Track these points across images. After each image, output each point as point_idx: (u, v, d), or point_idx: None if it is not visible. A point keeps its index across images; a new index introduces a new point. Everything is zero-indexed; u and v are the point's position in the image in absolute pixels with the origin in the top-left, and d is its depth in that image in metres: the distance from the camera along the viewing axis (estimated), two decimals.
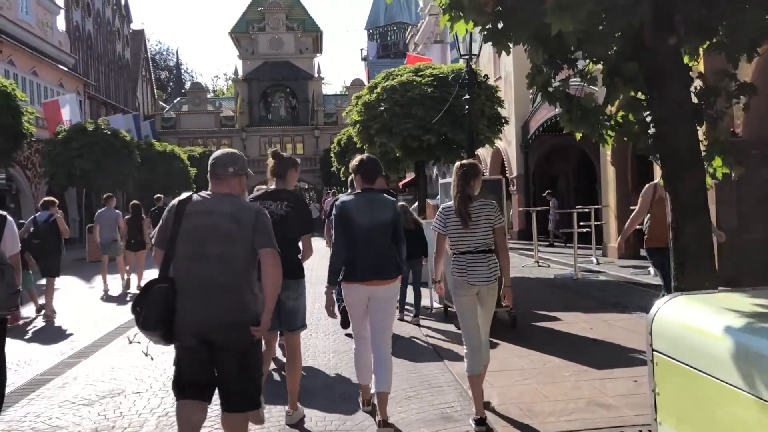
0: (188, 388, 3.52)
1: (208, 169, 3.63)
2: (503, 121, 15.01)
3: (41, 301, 10.47)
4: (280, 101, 48.42)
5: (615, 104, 4.38)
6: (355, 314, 4.76)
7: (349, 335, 7.35)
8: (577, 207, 14.11)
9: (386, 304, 4.65)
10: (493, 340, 7.05)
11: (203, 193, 3.59)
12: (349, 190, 6.04)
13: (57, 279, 10.35)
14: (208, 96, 52.24)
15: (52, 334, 9.24)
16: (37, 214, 10.32)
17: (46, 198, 10.54)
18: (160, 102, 53.56)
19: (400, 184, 33.06)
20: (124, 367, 6.89)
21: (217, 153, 3.73)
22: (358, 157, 4.87)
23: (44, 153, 23.34)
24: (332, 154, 27.37)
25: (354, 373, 5.37)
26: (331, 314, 4.69)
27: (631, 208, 14.12)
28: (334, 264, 4.59)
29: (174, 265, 3.45)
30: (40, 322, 10.00)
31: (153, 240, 3.78)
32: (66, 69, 31.77)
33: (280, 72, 47.09)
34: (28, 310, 10.26)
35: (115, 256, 13.09)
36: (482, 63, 23.31)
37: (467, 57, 11.39)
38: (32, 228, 9.93)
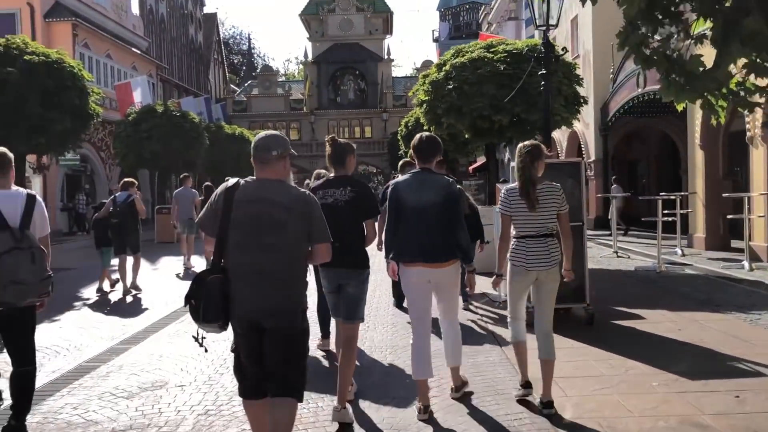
0: (249, 380, 3.51)
1: (252, 153, 3.51)
2: (582, 100, 14.00)
3: (114, 276, 10.93)
4: (348, 84, 48.19)
5: (729, 68, 3.58)
6: (411, 295, 4.68)
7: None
8: (662, 194, 13.04)
9: (446, 286, 4.60)
10: (567, 339, 6.48)
11: (250, 179, 3.49)
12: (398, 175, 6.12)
13: (129, 258, 10.64)
14: (279, 79, 52.42)
15: (117, 312, 9.25)
16: (116, 194, 10.63)
17: (126, 179, 10.86)
18: (232, 86, 54.17)
19: (470, 168, 32.17)
20: (172, 356, 6.54)
21: (258, 136, 3.61)
22: (417, 136, 4.77)
23: (115, 134, 23.71)
24: (399, 137, 26.74)
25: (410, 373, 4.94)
26: (392, 276, 4.69)
27: (724, 195, 13.40)
28: (386, 239, 4.62)
29: (226, 253, 3.40)
30: (113, 297, 10.41)
31: (198, 223, 3.64)
32: (139, 52, 32.30)
33: (349, 54, 46.90)
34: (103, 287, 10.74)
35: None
36: (559, 41, 22.19)
37: (544, 28, 10.53)
38: (111, 208, 10.26)
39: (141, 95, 26.68)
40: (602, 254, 14.53)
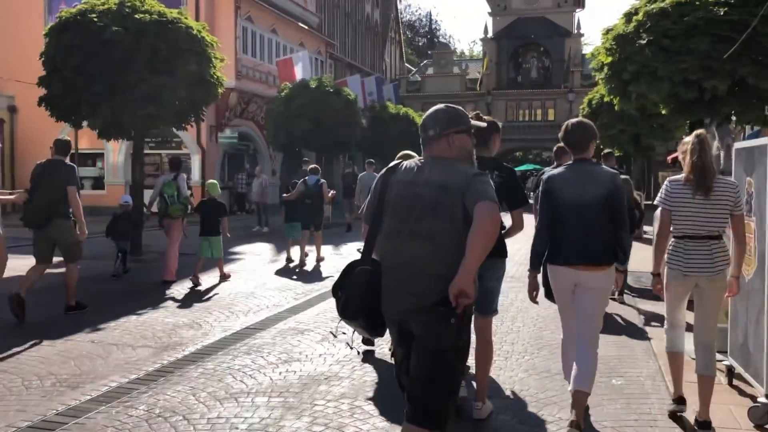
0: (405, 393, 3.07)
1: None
2: None
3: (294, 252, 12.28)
4: (531, 61, 44.38)
5: None
6: (560, 300, 4.32)
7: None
8: None
9: (595, 294, 4.13)
10: None
11: (416, 160, 3.16)
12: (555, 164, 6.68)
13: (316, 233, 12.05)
14: (455, 58, 49.67)
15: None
16: (306, 178, 11.98)
17: (312, 165, 12.97)
18: (408, 65, 52.44)
19: (669, 157, 27.11)
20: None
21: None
22: (565, 123, 4.37)
23: (266, 112, 22.47)
24: (581, 116, 22.81)
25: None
26: (533, 300, 4.33)
27: None
28: (536, 245, 4.24)
29: (378, 242, 3.08)
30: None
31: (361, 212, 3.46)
32: (307, 28, 31.21)
33: (533, 29, 43.13)
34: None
35: None
36: None
37: None
38: (303, 188, 11.69)
39: (302, 71, 25.36)
40: None
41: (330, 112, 21.44)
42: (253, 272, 11.04)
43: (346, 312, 3.06)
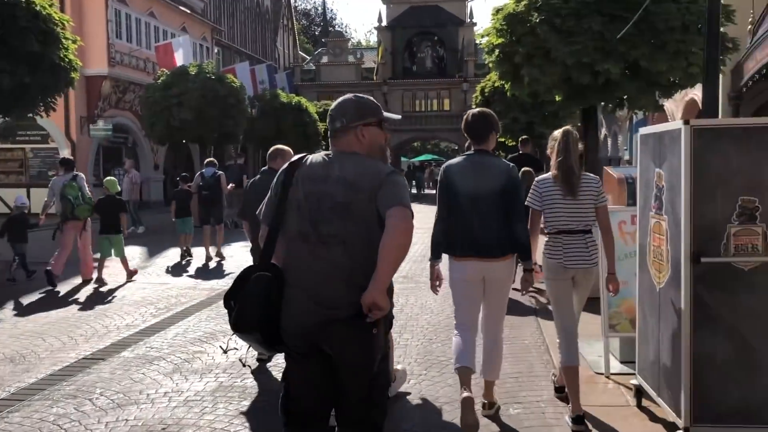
0: (299, 415, 2.75)
1: None
2: (730, 44, 9.53)
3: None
4: (426, 51, 44.04)
5: None
6: (457, 293, 4.26)
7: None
8: None
9: (498, 285, 4.19)
10: None
11: (322, 154, 2.84)
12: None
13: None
14: (350, 46, 48.68)
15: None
16: (203, 171, 12.04)
17: (208, 159, 12.89)
18: (302, 54, 51.01)
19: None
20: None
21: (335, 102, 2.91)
22: (467, 113, 4.40)
23: (142, 100, 20.68)
24: (474, 106, 22.42)
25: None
26: (434, 290, 4.30)
27: None
28: (435, 234, 4.24)
29: (280, 246, 2.75)
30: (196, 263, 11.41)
31: (259, 213, 2.96)
32: (189, 12, 29.31)
33: (427, 18, 42.71)
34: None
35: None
36: None
37: None
38: (201, 182, 11.71)
39: (183, 57, 23.63)
40: None
41: (213, 101, 19.90)
42: (116, 282, 9.62)
43: (239, 325, 2.69)
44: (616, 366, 5.28)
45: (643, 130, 4.45)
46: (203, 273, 10.64)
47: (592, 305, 5.12)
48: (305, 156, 2.89)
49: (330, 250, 2.65)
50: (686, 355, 3.64)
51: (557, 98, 10.52)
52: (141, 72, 24.79)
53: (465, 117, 4.32)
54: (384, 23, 43.62)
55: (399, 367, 4.88)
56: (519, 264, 4.26)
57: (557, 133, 4.34)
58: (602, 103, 10.30)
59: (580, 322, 4.49)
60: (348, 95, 2.94)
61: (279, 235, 2.76)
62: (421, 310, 7.45)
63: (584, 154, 10.96)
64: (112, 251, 9.58)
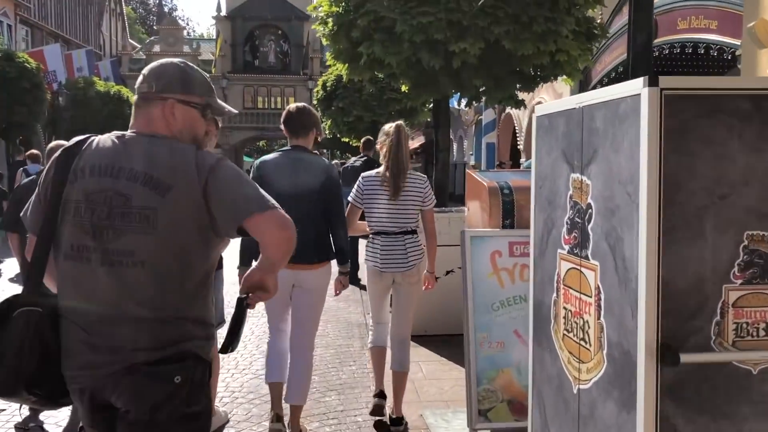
0: None
1: None
2: (597, 30, 8.26)
3: None
4: (269, 45, 41.72)
5: None
6: (267, 304, 3.97)
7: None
8: None
9: (312, 295, 3.90)
10: None
11: (112, 136, 2.03)
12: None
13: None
14: (185, 36, 45.17)
15: None
16: (27, 167, 10.89)
17: (32, 151, 11.68)
18: (132, 41, 46.66)
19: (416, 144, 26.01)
20: None
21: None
22: (287, 108, 4.13)
23: None
24: (315, 101, 20.40)
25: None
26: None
27: None
28: (243, 240, 3.67)
29: (52, 267, 1.99)
30: None
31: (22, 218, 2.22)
32: None
33: (271, 10, 40.44)
34: None
35: None
36: None
37: None
38: (26, 179, 10.30)
39: None
40: None
41: (4, 87, 16.58)
42: None
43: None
44: None
45: (542, 108, 2.64)
46: None
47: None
48: (90, 137, 2.05)
49: (121, 273, 1.89)
50: None
51: (403, 87, 8.78)
52: None
53: (286, 111, 4.08)
54: (223, 12, 40.73)
55: (221, 409, 4.30)
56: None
57: (388, 127, 4.17)
58: (457, 94, 8.67)
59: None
60: (174, 59, 2.15)
61: (52, 248, 1.98)
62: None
63: (434, 154, 9.35)
64: None
